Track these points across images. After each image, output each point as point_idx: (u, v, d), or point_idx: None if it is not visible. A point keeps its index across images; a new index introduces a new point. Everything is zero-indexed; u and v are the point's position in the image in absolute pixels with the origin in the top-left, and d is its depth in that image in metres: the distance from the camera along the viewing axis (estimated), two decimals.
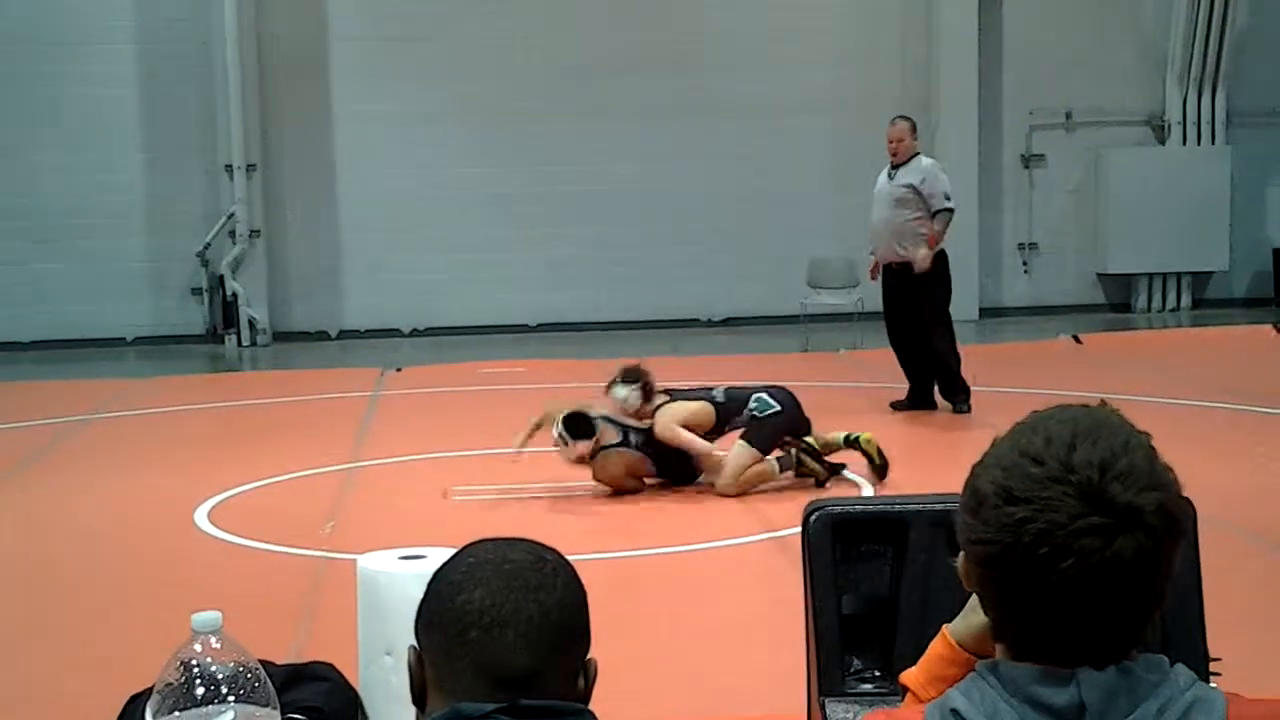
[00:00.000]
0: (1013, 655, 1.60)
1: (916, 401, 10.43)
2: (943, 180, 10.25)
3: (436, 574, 1.77)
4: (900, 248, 10.17)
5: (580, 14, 16.35)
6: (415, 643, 1.75)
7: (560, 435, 7.86)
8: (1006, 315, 16.93)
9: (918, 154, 10.34)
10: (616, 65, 16.27)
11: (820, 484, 8.13)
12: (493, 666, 1.68)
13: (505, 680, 1.67)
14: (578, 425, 7.89)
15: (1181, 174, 16.85)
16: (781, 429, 8.11)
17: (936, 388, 10.39)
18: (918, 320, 10.28)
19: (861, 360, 13.56)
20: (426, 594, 1.76)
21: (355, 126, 16.32)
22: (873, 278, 10.85)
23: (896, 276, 10.31)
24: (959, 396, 10.27)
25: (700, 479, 8.18)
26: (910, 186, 10.11)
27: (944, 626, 1.99)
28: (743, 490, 7.99)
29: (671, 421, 7.96)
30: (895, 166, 10.29)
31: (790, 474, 8.20)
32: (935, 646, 1.98)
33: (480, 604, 1.69)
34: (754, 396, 8.15)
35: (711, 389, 8.27)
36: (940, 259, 10.24)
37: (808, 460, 8.22)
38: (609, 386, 8.10)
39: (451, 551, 1.81)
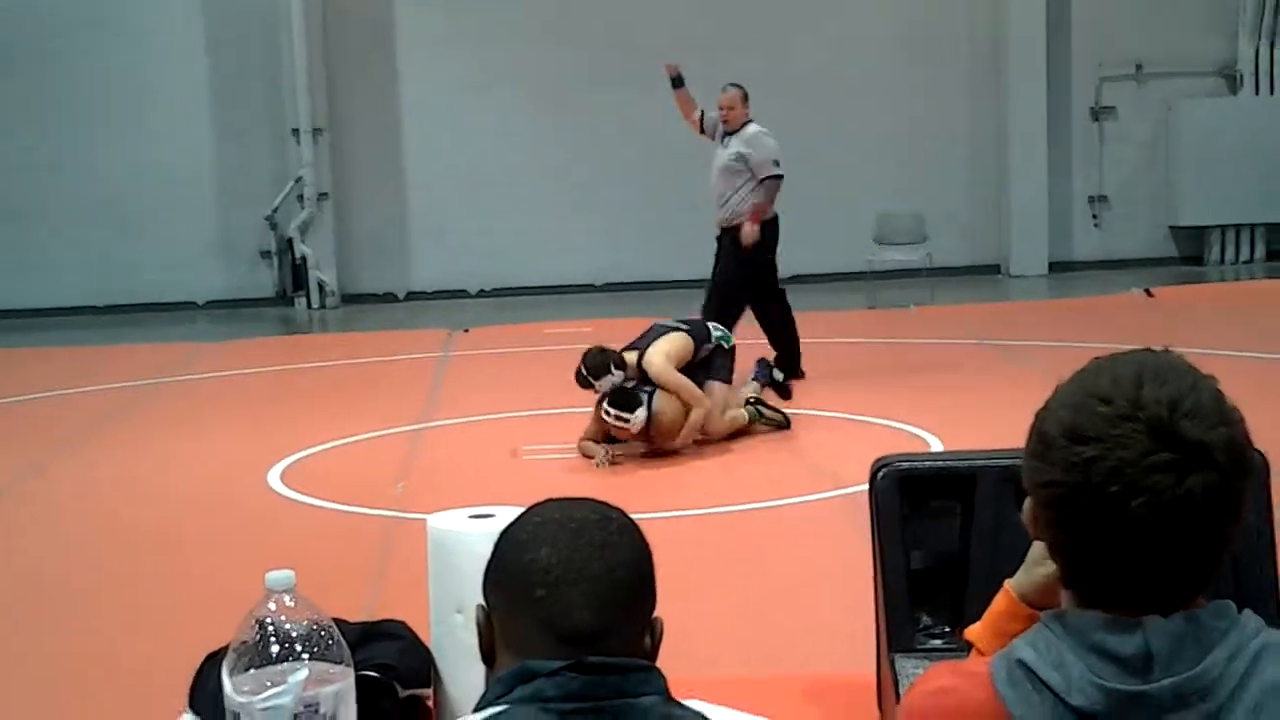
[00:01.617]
0: (1081, 602, 1.60)
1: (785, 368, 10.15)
2: (769, 146, 10.03)
3: (503, 533, 1.79)
4: (731, 215, 10.03)
5: None
6: (483, 601, 1.77)
7: (618, 416, 7.86)
8: (1077, 269, 16.77)
9: (749, 122, 10.14)
10: (682, 26, 16.18)
11: (785, 426, 8.57)
12: (559, 624, 1.69)
13: (571, 638, 1.68)
14: (625, 399, 7.91)
15: (1255, 124, 16.58)
16: (733, 362, 8.49)
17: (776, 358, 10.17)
18: (753, 290, 10.18)
19: (931, 316, 13.49)
20: (493, 553, 1.77)
21: (421, 90, 16.36)
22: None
23: (722, 241, 10.20)
24: (795, 372, 10.11)
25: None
26: (740, 156, 9.97)
27: (1006, 581, 1.99)
28: (729, 431, 8.33)
29: (666, 363, 8.03)
30: (728, 134, 10.11)
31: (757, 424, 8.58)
32: (998, 602, 1.98)
33: (546, 562, 1.70)
34: (712, 325, 8.49)
35: (669, 323, 8.41)
36: (770, 227, 10.09)
37: (766, 411, 8.63)
38: (590, 382, 8.01)
39: (520, 510, 1.82)
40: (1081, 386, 1.59)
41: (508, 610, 1.73)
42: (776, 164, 9.98)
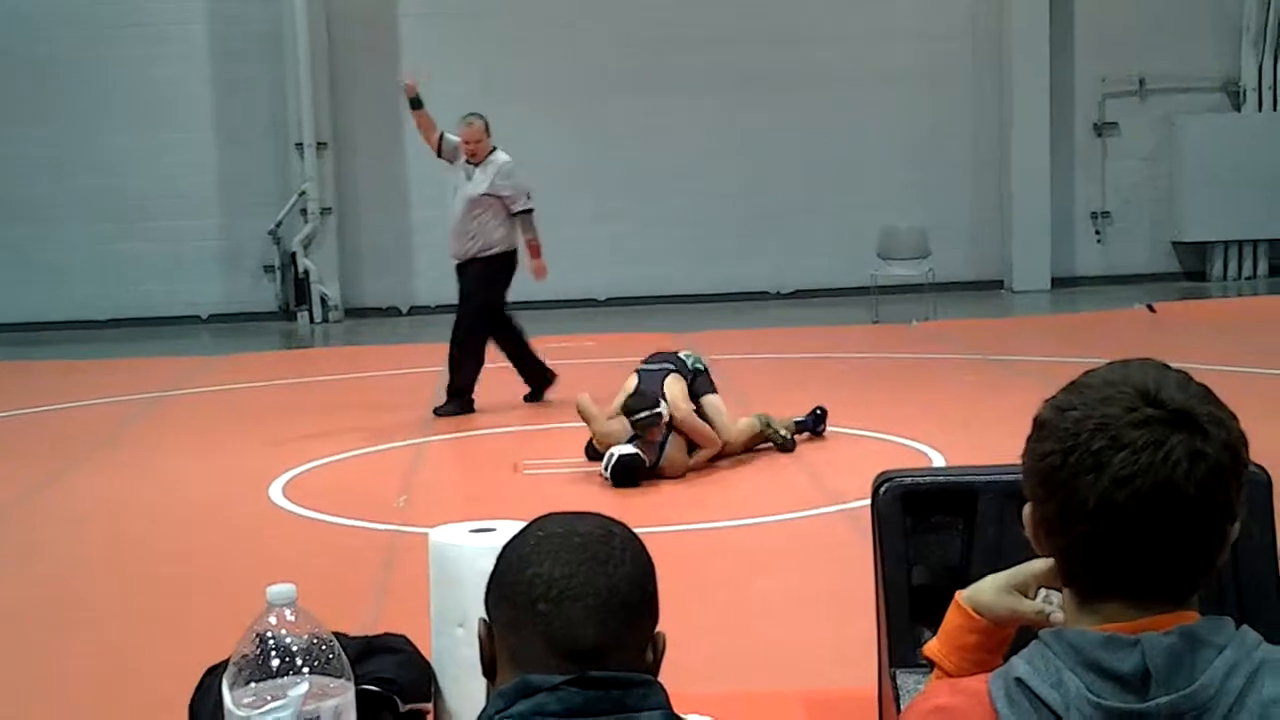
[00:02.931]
0: (1079, 599, 1.61)
1: (536, 386, 10.28)
2: (523, 178, 10.00)
3: (506, 547, 1.78)
4: (472, 247, 9.91)
5: None
6: (485, 615, 1.77)
7: (649, 417, 7.76)
8: (1079, 284, 16.78)
9: (494, 150, 10.01)
10: (684, 38, 16.23)
11: (788, 448, 8.42)
12: (562, 639, 1.69)
13: (575, 653, 1.68)
14: (645, 404, 7.85)
15: (1257, 140, 16.60)
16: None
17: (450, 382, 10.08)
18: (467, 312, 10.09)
19: (934, 331, 13.50)
20: (497, 567, 1.77)
21: (425, 103, 16.33)
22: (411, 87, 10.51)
23: (460, 274, 10.10)
24: (453, 402, 9.99)
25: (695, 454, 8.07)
26: (491, 188, 9.85)
27: (957, 594, 1.98)
28: (745, 442, 8.29)
29: (689, 409, 8.01)
30: (471, 164, 9.96)
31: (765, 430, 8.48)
32: (952, 616, 1.97)
33: (549, 577, 1.70)
34: (683, 354, 8.37)
35: (654, 366, 8.27)
36: (509, 259, 10.06)
37: (774, 422, 8.49)
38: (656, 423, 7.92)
39: (521, 525, 1.82)
40: (1073, 380, 1.66)
41: (510, 624, 1.72)
42: (529, 197, 9.97)
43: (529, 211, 10.04)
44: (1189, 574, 1.58)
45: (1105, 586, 1.59)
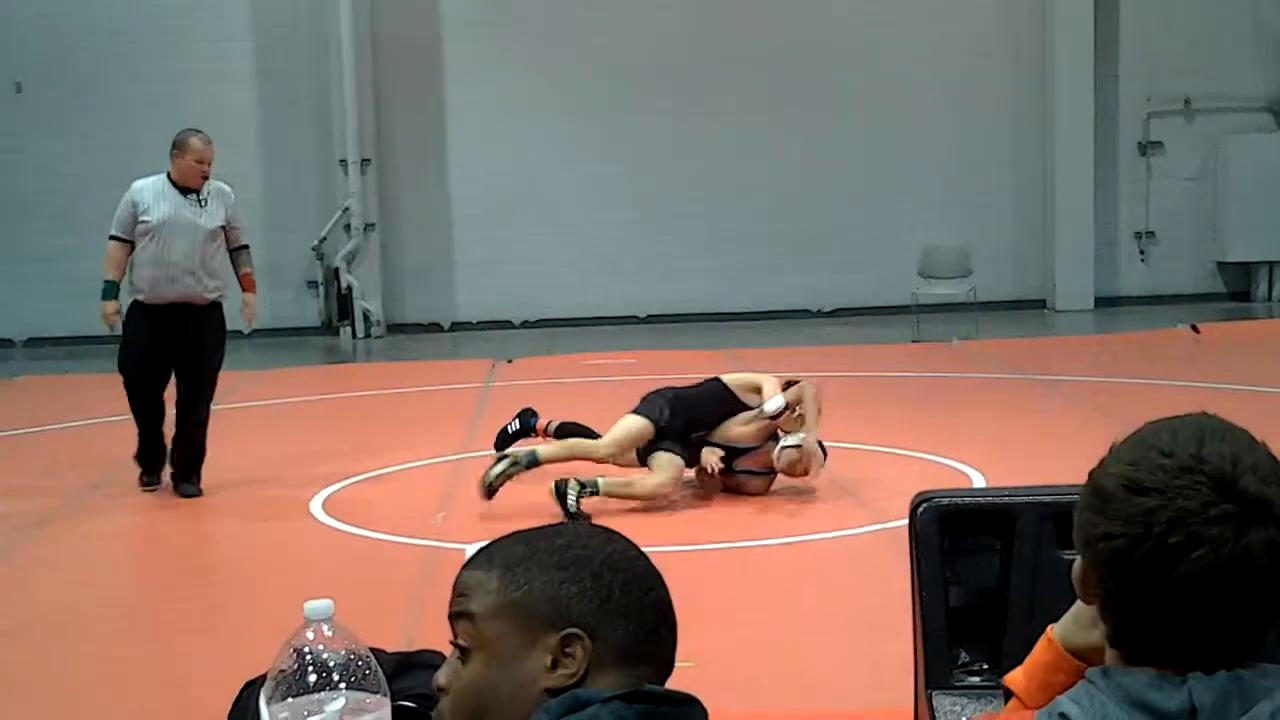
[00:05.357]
0: (1126, 660, 1.59)
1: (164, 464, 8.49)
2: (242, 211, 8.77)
3: (614, 561, 1.73)
4: (215, 287, 8.41)
5: (686, 8, 16.35)
6: (575, 630, 1.69)
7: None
8: (1123, 304, 16.70)
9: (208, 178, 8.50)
10: (728, 57, 16.26)
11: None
12: (669, 663, 1.72)
13: (667, 676, 1.70)
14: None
15: None
16: None
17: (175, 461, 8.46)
18: (191, 378, 8.43)
19: (975, 351, 13.45)
20: (602, 580, 1.71)
21: (467, 121, 16.45)
22: (111, 326, 8.54)
23: (192, 320, 8.32)
24: (198, 475, 8.43)
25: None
26: (226, 219, 8.51)
27: (1050, 630, 1.94)
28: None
29: None
30: (190, 192, 8.44)
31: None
32: (1041, 652, 1.93)
33: (666, 602, 1.73)
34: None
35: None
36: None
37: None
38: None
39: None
40: (1140, 443, 1.58)
41: (627, 642, 1.69)
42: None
43: (246, 248, 8.78)
44: (1246, 644, 1.56)
45: (1159, 653, 1.57)
